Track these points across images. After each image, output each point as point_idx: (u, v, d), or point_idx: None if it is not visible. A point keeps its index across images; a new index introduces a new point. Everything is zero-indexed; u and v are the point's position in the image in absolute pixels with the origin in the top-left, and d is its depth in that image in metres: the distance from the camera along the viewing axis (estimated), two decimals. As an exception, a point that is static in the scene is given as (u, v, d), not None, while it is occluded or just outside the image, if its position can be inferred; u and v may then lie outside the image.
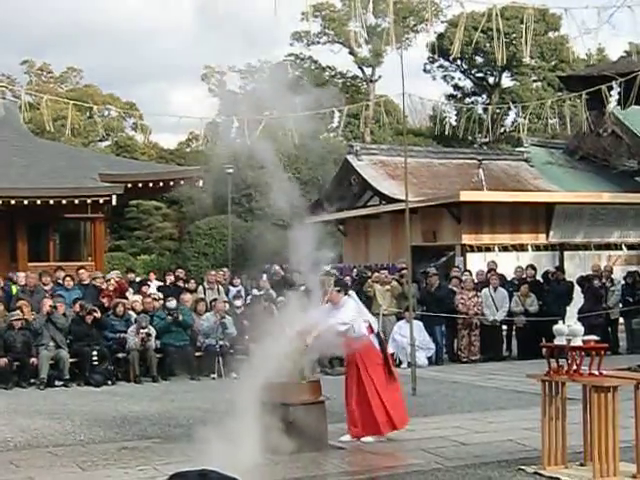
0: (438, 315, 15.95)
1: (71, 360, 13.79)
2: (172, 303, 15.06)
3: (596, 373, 6.88)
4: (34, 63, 50.65)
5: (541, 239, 23.26)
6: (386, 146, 30.55)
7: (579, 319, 7.39)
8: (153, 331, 14.46)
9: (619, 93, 14.62)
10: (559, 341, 7.11)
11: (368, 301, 16.22)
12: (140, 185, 22.84)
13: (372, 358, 8.68)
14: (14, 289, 15.69)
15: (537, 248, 23.09)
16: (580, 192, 24.72)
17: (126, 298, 15.60)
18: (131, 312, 14.98)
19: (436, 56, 46.26)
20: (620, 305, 17.39)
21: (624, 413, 6.87)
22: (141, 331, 14.26)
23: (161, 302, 15.36)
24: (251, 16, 8.13)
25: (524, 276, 17.62)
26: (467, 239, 22.50)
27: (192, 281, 17.24)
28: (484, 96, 48.24)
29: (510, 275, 18.09)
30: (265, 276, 18.55)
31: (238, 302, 15.85)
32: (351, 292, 9.19)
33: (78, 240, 24.76)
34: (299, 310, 8.50)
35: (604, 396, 6.72)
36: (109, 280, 16.21)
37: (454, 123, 37.84)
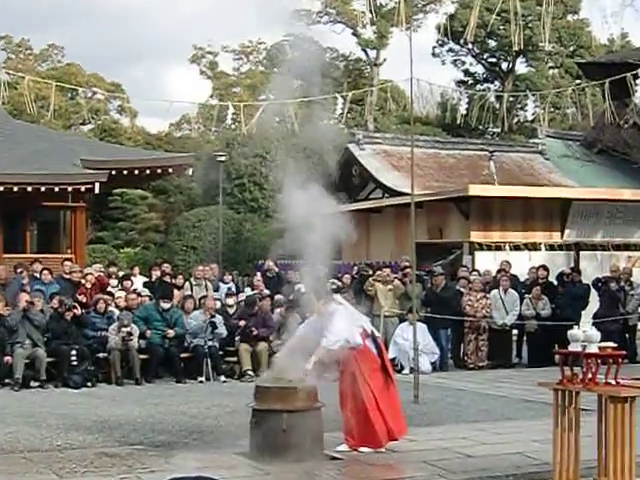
0: (444, 317, 15.97)
1: (48, 360, 13.77)
2: (166, 305, 15.00)
3: (612, 382, 6.91)
4: (12, 39, 50.55)
5: (555, 238, 23.29)
6: (391, 135, 30.59)
7: (595, 324, 7.42)
8: (136, 330, 14.41)
9: (644, 81, 14.61)
10: (573, 347, 7.12)
11: (369, 301, 16.27)
12: (125, 172, 22.83)
13: (369, 363, 8.57)
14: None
15: (551, 247, 23.12)
16: (598, 188, 24.76)
17: (110, 294, 15.55)
18: (114, 309, 14.96)
19: (446, 39, 46.13)
20: (639, 310, 17.44)
21: (642, 426, 6.90)
22: (122, 329, 14.21)
23: (146, 299, 15.36)
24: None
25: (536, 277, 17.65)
26: (476, 236, 22.52)
27: (180, 277, 17.23)
28: (497, 83, 48.22)
29: (522, 276, 18.11)
30: (259, 274, 18.55)
31: (230, 300, 15.83)
32: (336, 296, 8.92)
33: (57, 231, 24.71)
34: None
35: (621, 407, 6.75)
36: (87, 275, 16.12)
37: (464, 111, 37.89)
